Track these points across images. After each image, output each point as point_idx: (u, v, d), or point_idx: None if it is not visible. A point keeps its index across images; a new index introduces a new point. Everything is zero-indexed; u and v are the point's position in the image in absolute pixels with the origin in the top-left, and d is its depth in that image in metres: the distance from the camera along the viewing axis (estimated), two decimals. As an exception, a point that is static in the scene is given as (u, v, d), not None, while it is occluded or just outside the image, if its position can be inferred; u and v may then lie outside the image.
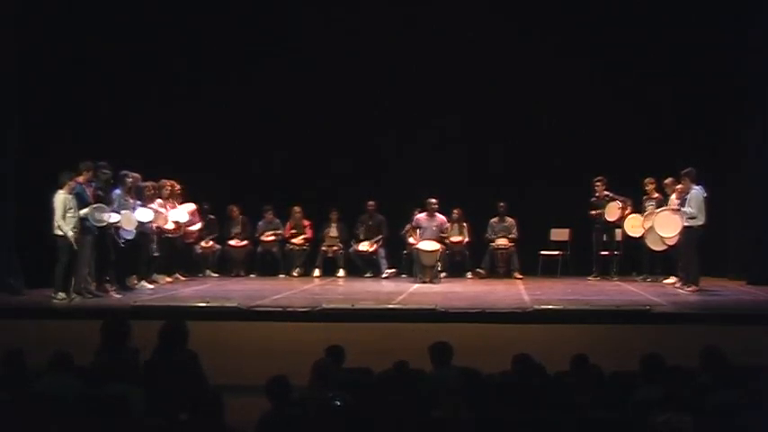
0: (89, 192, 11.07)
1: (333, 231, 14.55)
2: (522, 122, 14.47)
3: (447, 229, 13.88)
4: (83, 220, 10.85)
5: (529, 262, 14.21)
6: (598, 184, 13.60)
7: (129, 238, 11.66)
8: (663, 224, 11.89)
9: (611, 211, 13.39)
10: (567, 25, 14.24)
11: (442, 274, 13.63)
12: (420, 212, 13.80)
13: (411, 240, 13.74)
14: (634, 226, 12.96)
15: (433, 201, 13.69)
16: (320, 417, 5.41)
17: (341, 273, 14.35)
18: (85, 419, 5.20)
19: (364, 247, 14.31)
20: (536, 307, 10.12)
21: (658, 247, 12.39)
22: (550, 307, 10.20)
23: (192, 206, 13.74)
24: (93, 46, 13.41)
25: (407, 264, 13.99)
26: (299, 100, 14.61)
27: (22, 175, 12.16)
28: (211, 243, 14.37)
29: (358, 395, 5.82)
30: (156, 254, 12.66)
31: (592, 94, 14.21)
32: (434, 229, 13.66)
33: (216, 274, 14.26)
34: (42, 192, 11.08)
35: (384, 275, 14.07)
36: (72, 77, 13.03)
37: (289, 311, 9.94)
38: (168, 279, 13.05)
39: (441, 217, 13.80)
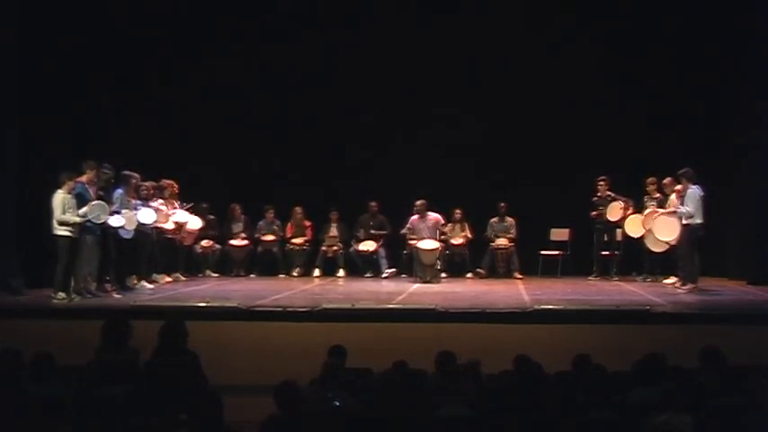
0: (92, 191, 11.06)
1: (333, 231, 14.55)
2: (522, 122, 14.46)
3: (443, 226, 13.87)
4: (82, 217, 10.83)
5: (529, 262, 14.21)
6: (601, 183, 13.60)
7: (128, 237, 11.65)
8: (661, 228, 11.90)
9: (613, 212, 13.38)
10: (569, 25, 14.23)
11: (443, 274, 13.63)
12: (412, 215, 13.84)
13: (411, 240, 13.72)
14: (634, 226, 12.96)
15: (419, 202, 13.70)
16: (320, 417, 5.41)
17: (341, 273, 14.34)
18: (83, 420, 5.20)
19: (364, 247, 14.31)
20: (536, 307, 10.10)
21: (659, 249, 12.40)
22: (550, 307, 10.18)
23: (198, 222, 13.76)
24: (93, 46, 13.39)
25: (407, 264, 13.98)
26: (300, 100, 14.61)
27: (22, 175, 12.15)
28: (211, 243, 14.36)
29: (359, 395, 5.83)
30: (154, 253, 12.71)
31: (593, 93, 14.21)
32: (429, 228, 13.66)
33: (216, 274, 14.25)
34: (42, 192, 11.08)
35: (384, 275, 14.07)
36: (72, 77, 13.01)
37: (289, 311, 9.92)
38: (168, 279, 13.04)
39: (434, 215, 13.79)
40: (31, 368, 6.04)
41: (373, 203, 14.51)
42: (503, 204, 14.34)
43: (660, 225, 11.92)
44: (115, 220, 11.28)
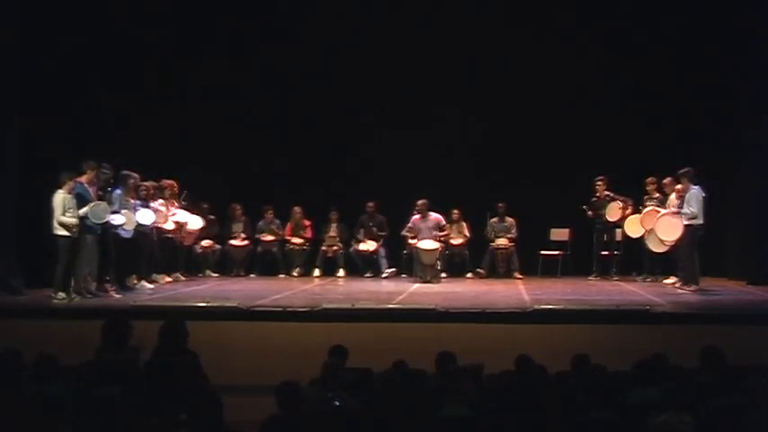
0: (92, 192, 11.06)
1: (333, 231, 14.55)
2: (522, 122, 14.46)
3: (444, 226, 13.88)
4: (83, 219, 10.84)
5: (529, 262, 14.20)
6: (599, 183, 13.61)
7: (127, 237, 11.65)
8: (665, 229, 11.89)
9: (612, 212, 13.39)
10: (568, 25, 14.24)
11: (443, 274, 13.63)
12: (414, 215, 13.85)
13: (411, 240, 13.73)
14: (634, 226, 12.96)
15: (420, 202, 13.70)
16: (320, 417, 5.41)
17: (341, 273, 14.34)
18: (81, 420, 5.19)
19: (364, 246, 14.31)
20: (536, 307, 10.10)
21: (659, 249, 12.39)
22: (550, 307, 10.18)
23: (198, 222, 13.77)
24: (93, 46, 13.39)
25: (407, 264, 13.98)
26: (300, 100, 14.61)
27: (22, 175, 12.15)
28: (211, 243, 14.36)
29: (360, 395, 5.83)
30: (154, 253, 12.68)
31: (593, 93, 14.21)
32: (430, 228, 13.67)
33: (216, 274, 14.25)
34: (42, 192, 11.07)
35: (384, 275, 14.07)
36: (72, 77, 13.01)
37: (289, 311, 9.92)
38: (168, 279, 13.04)
39: (435, 215, 13.80)
40: (34, 369, 6.04)
41: (370, 204, 14.50)
42: (501, 205, 14.32)
43: (663, 225, 11.91)
44: (117, 219, 11.27)
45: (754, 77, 12.91)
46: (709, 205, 11.77)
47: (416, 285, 12.85)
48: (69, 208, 10.68)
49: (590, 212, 13.63)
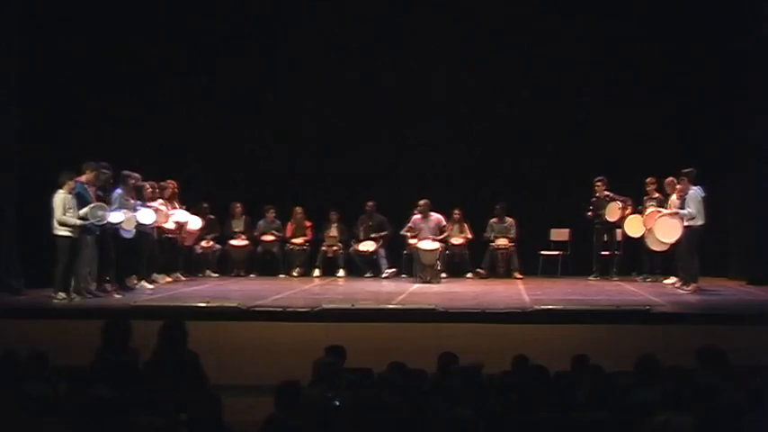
0: (91, 192, 11.06)
1: (333, 231, 14.55)
2: (521, 122, 14.47)
3: (445, 227, 13.88)
4: (82, 219, 10.83)
5: (529, 262, 14.20)
6: (599, 184, 13.60)
7: (128, 237, 11.65)
8: (663, 229, 11.88)
9: (612, 212, 13.38)
10: (567, 25, 14.25)
11: (443, 274, 13.63)
12: (415, 214, 13.85)
13: (411, 240, 13.73)
14: (634, 226, 12.95)
15: (422, 202, 13.72)
16: (320, 417, 5.41)
17: (341, 273, 14.34)
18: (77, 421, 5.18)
19: (364, 247, 14.31)
20: (536, 307, 10.10)
21: (658, 248, 12.39)
22: (550, 307, 10.17)
23: (198, 222, 13.77)
24: (93, 45, 13.41)
25: (407, 264, 13.98)
26: (299, 100, 14.63)
27: (22, 175, 12.15)
28: (211, 243, 14.36)
29: (359, 396, 5.82)
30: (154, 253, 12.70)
31: (592, 93, 14.23)
32: (431, 228, 13.67)
33: (216, 274, 14.25)
34: (42, 192, 11.08)
35: (384, 275, 14.07)
36: (72, 77, 13.03)
37: (289, 311, 9.92)
38: (168, 279, 13.04)
39: (436, 216, 13.81)
40: (23, 368, 6.03)
41: (369, 203, 14.49)
42: (499, 206, 14.28)
43: (662, 226, 11.90)
44: (116, 216, 11.26)
45: (755, 77, 12.90)
46: (709, 205, 11.76)
47: (416, 285, 12.85)
48: (69, 208, 10.67)
49: (590, 213, 13.61)
